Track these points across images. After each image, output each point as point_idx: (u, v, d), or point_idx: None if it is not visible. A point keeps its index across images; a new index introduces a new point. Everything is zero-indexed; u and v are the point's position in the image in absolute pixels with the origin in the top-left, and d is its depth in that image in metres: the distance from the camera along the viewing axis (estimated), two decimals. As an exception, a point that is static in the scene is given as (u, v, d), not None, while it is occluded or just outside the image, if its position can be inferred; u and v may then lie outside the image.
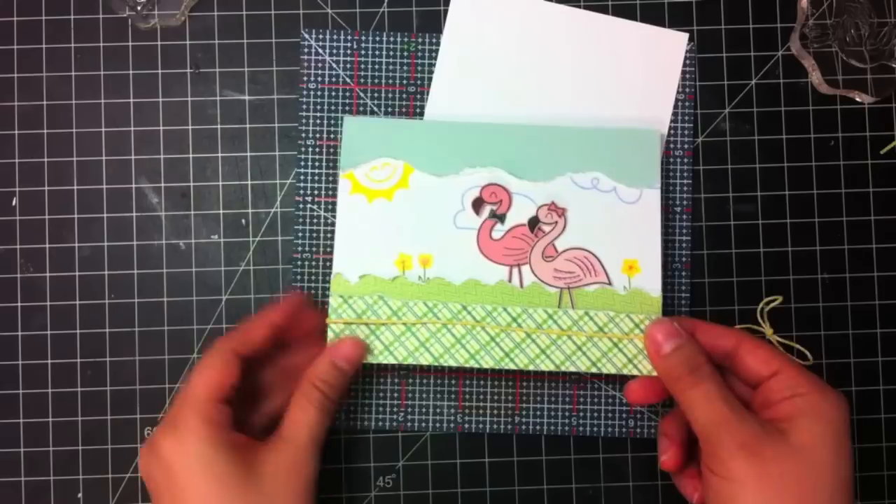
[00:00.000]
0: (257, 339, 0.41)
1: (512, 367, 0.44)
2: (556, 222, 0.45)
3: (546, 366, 0.43)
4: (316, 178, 0.47)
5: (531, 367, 0.44)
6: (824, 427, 0.35)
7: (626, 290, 0.44)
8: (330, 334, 0.44)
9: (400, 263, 0.45)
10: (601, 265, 0.45)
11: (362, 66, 0.48)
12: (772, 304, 0.46)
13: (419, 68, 0.48)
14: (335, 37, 0.48)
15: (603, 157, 0.45)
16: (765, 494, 0.34)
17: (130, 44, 0.48)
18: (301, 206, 0.47)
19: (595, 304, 0.44)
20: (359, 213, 0.45)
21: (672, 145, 0.47)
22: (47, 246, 0.47)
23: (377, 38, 0.48)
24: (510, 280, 0.45)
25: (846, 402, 0.37)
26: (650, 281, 0.44)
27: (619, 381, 0.46)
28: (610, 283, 0.44)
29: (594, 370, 0.43)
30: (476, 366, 0.43)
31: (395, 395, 0.47)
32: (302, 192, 0.47)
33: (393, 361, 0.44)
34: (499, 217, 0.45)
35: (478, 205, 0.45)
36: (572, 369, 0.44)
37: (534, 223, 0.45)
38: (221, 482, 0.36)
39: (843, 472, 0.35)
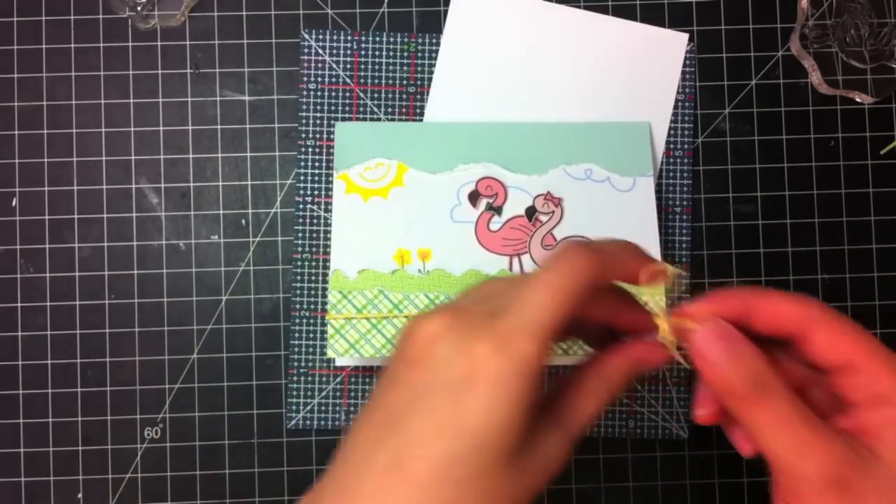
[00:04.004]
0: (617, 278, 0.30)
1: None
2: (553, 212, 0.45)
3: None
4: (316, 178, 0.47)
5: None
6: None
7: None
8: (330, 329, 0.44)
9: (399, 258, 0.45)
10: None
11: (362, 66, 0.48)
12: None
13: (419, 68, 0.48)
14: (335, 37, 0.47)
15: (594, 150, 0.46)
16: None
17: (130, 44, 0.48)
18: (301, 206, 0.47)
19: None
20: (354, 212, 0.45)
21: (672, 145, 0.47)
22: (47, 246, 0.47)
23: (377, 39, 0.48)
24: (511, 269, 0.45)
25: None
26: None
27: (619, 381, 0.46)
28: None
29: None
30: None
31: (395, 395, 0.47)
32: (302, 192, 0.47)
33: None
34: (495, 209, 0.45)
35: (474, 198, 0.46)
36: (581, 353, 0.43)
37: (531, 212, 0.45)
38: (512, 441, 0.27)
39: None
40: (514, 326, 0.27)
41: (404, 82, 0.48)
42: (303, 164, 0.47)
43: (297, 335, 0.47)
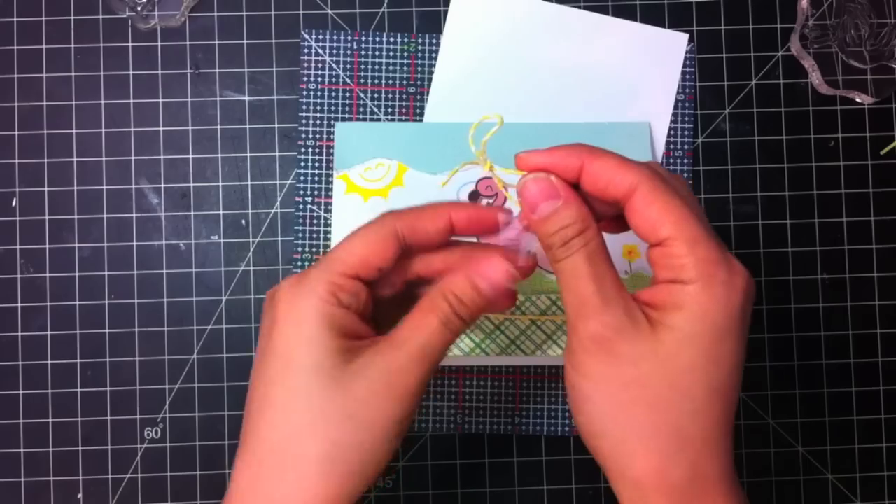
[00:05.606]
0: (429, 233, 0.34)
1: (519, 353, 0.44)
2: None
3: (553, 351, 0.44)
4: (316, 178, 0.47)
5: (538, 353, 0.44)
6: (700, 327, 0.28)
7: (627, 273, 0.45)
8: None
9: None
10: None
11: (362, 66, 0.48)
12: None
13: (419, 69, 0.48)
14: (335, 37, 0.48)
15: None
16: (616, 399, 0.29)
17: (130, 44, 0.48)
18: (301, 206, 0.47)
19: None
20: (354, 212, 0.45)
21: (672, 145, 0.47)
22: (47, 246, 0.47)
23: (377, 39, 0.48)
24: None
25: (742, 290, 0.29)
26: None
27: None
28: None
29: None
30: (482, 354, 0.44)
31: (395, 395, 0.47)
32: (302, 192, 0.47)
33: None
34: None
35: (474, 198, 0.46)
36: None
37: None
38: (315, 356, 0.31)
39: (718, 380, 0.29)
40: (312, 269, 0.32)
41: (404, 82, 0.48)
42: (303, 164, 0.47)
43: (297, 335, 0.47)
